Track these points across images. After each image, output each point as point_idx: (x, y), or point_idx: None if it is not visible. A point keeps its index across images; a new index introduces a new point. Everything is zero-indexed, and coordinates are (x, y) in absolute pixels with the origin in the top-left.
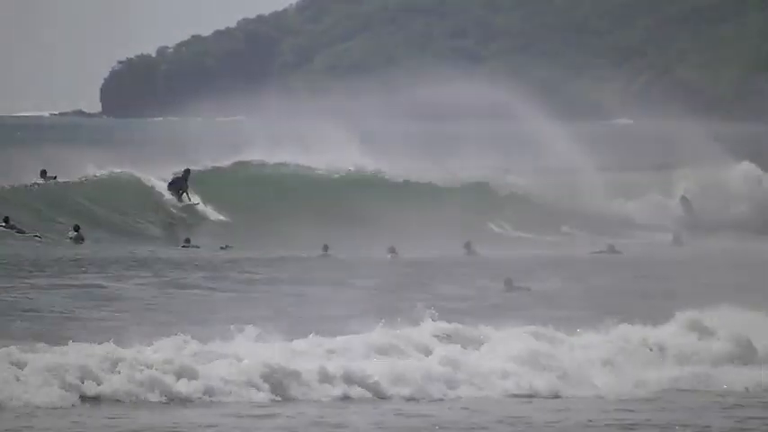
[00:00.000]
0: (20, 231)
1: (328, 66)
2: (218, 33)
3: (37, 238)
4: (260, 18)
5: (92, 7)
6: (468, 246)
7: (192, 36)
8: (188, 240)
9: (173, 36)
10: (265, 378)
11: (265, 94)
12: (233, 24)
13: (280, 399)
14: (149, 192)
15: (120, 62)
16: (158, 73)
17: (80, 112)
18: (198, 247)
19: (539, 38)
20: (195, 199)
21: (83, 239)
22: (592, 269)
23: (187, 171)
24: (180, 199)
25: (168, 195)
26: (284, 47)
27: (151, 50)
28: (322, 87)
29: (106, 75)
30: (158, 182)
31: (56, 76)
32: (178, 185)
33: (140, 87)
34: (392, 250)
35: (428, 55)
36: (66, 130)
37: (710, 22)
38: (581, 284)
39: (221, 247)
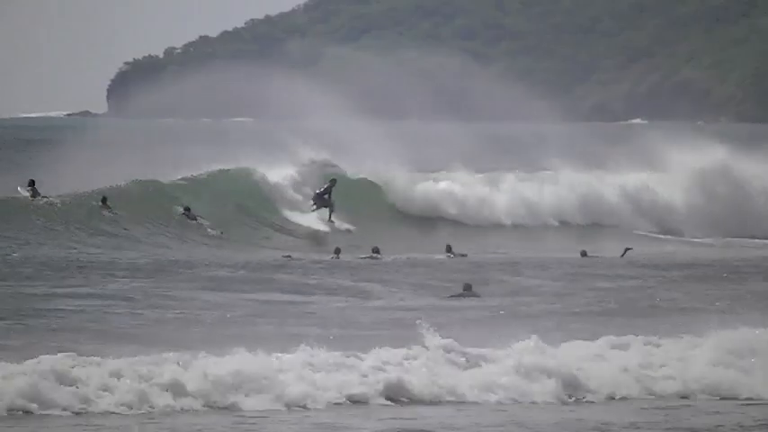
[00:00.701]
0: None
1: (336, 66)
2: (225, 34)
3: (46, 198)
4: (267, 19)
5: (98, 7)
6: (449, 249)
7: (200, 37)
8: (188, 209)
9: (180, 37)
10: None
11: (273, 95)
12: (240, 25)
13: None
14: (268, 190)
15: (126, 63)
16: (165, 73)
17: (86, 113)
18: (195, 219)
19: (547, 38)
20: (335, 220)
21: (110, 209)
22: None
23: (333, 182)
24: (325, 209)
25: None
26: (292, 47)
27: (158, 51)
28: (330, 87)
29: (112, 75)
30: (277, 179)
31: (60, 76)
32: (323, 201)
33: (147, 88)
34: (376, 251)
35: (435, 56)
36: (113, 130)
37: (720, 23)
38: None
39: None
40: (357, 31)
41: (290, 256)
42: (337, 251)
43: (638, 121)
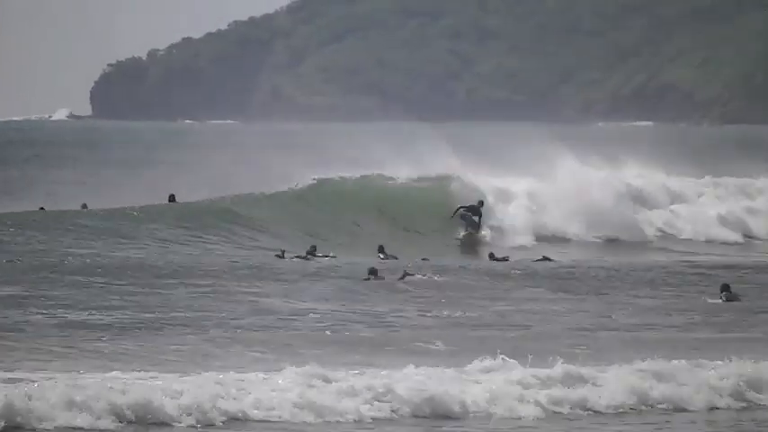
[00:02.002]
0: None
1: (320, 67)
2: (209, 35)
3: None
4: (251, 20)
5: (80, 8)
6: (381, 250)
7: (183, 38)
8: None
9: (163, 38)
10: None
11: (257, 97)
12: (224, 26)
13: None
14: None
15: (110, 65)
16: (149, 75)
17: (71, 115)
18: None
19: (531, 39)
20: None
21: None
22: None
23: (480, 203)
24: (474, 230)
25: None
26: (276, 49)
27: (142, 53)
28: (314, 89)
29: (96, 77)
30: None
31: (43, 78)
32: (471, 222)
33: (131, 90)
34: (311, 251)
35: (421, 56)
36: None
37: (705, 24)
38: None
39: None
40: (341, 31)
41: (282, 253)
42: (313, 248)
43: (648, 123)
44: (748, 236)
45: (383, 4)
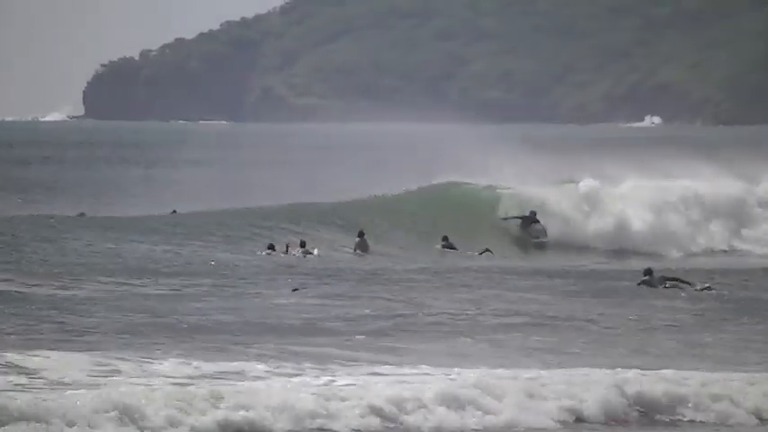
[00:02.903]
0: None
1: (312, 68)
2: (201, 36)
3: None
4: (243, 21)
5: (72, 9)
6: (361, 234)
7: (176, 39)
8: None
9: (155, 39)
10: None
11: (249, 97)
12: (216, 27)
13: None
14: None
15: (102, 65)
16: (141, 76)
17: (70, 116)
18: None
19: (525, 40)
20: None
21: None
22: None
23: (533, 213)
24: (542, 236)
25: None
26: (267, 49)
27: (134, 53)
28: (307, 90)
29: (88, 78)
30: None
31: (36, 79)
32: (530, 230)
33: (124, 90)
34: (279, 246)
35: (414, 57)
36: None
37: (697, 25)
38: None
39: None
40: (334, 32)
41: (286, 248)
42: (299, 245)
43: (655, 120)
44: None
45: (376, 5)
